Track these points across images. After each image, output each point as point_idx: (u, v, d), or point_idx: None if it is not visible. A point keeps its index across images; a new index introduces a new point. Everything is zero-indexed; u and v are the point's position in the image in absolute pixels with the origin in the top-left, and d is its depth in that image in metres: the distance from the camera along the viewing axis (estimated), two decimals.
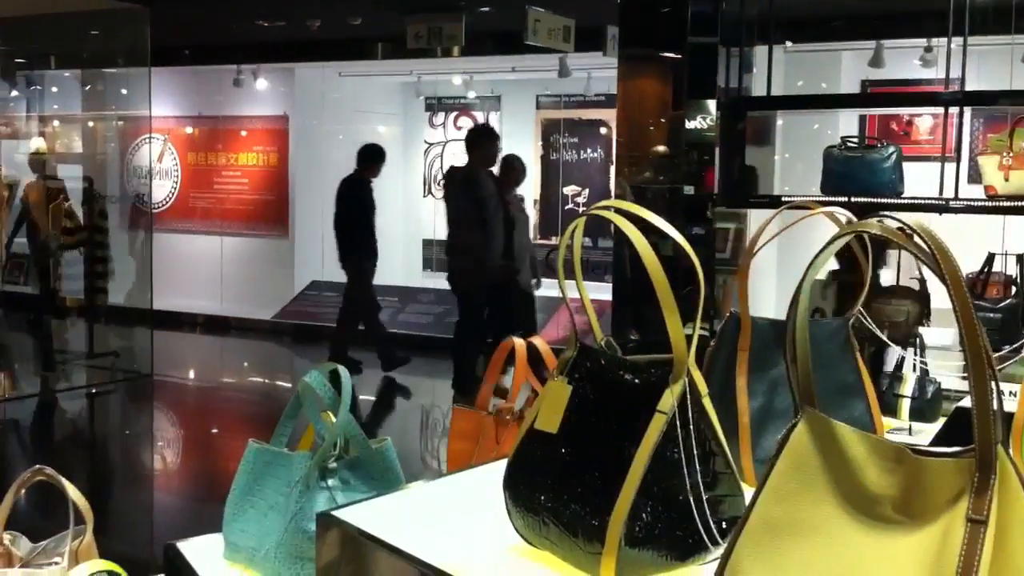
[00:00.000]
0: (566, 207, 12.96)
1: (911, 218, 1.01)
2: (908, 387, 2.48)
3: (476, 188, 7.85)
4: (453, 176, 8.27)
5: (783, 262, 8.02)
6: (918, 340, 2.77)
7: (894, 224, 1.03)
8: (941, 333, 3.09)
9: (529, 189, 13.32)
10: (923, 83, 9.18)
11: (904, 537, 0.98)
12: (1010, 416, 1.48)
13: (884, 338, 2.55)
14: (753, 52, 4.72)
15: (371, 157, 9.57)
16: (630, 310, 4.93)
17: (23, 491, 1.75)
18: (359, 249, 9.38)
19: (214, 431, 8.31)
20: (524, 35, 8.39)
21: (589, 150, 12.99)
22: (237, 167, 13.46)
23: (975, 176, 3.86)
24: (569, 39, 8.89)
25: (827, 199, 3.65)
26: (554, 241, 11.41)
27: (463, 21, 8.96)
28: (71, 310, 9.54)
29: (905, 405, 2.46)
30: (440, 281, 13.01)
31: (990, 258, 4.12)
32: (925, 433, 2.38)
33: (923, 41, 9.13)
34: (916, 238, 0.98)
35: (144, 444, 7.74)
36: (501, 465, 1.48)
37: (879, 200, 3.71)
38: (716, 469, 1.36)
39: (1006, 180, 3.48)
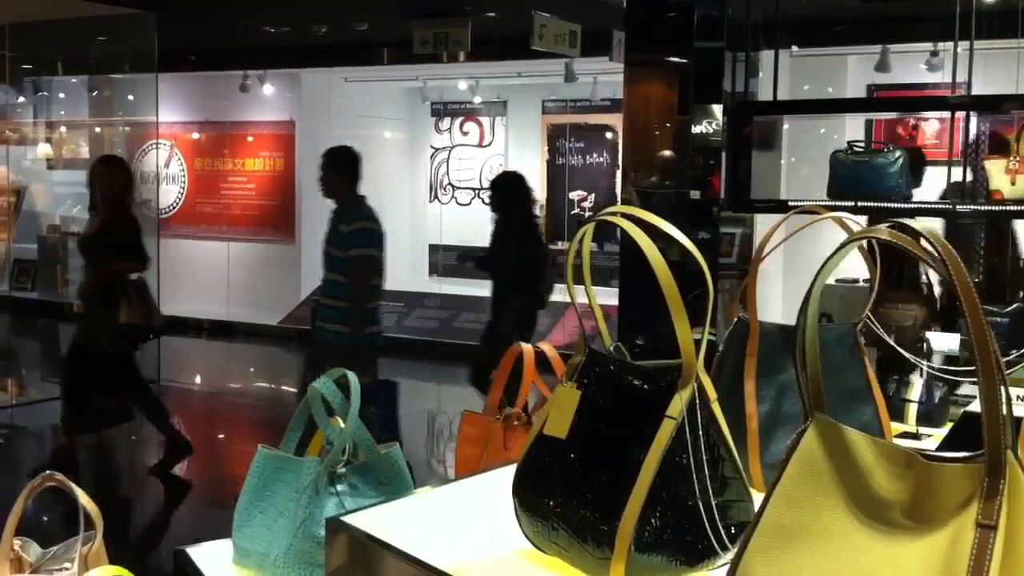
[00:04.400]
0: (572, 212, 12.96)
1: (918, 223, 1.01)
2: (916, 392, 2.47)
3: None
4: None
5: (789, 267, 8.03)
6: (926, 344, 2.77)
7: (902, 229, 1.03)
8: (948, 337, 3.09)
9: (535, 194, 13.33)
10: (929, 87, 9.17)
11: (913, 542, 0.98)
12: (1019, 421, 1.48)
13: (892, 343, 2.55)
14: (759, 57, 4.72)
15: None
16: (637, 314, 4.93)
17: (33, 497, 1.76)
18: None
19: (222, 436, 8.32)
20: (530, 40, 8.40)
21: (595, 155, 12.99)
22: (244, 172, 13.48)
23: (981, 180, 3.86)
24: (575, 44, 8.90)
25: (834, 203, 3.66)
26: (561, 246, 11.40)
27: (469, 26, 8.97)
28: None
29: (913, 410, 2.45)
30: (446, 286, 13.04)
31: None
32: (933, 438, 2.37)
33: (929, 45, 9.12)
34: (924, 242, 0.98)
35: (153, 449, 7.75)
36: (510, 470, 1.48)
37: (886, 204, 3.70)
38: (725, 474, 1.36)
39: (1012, 184, 3.48)
